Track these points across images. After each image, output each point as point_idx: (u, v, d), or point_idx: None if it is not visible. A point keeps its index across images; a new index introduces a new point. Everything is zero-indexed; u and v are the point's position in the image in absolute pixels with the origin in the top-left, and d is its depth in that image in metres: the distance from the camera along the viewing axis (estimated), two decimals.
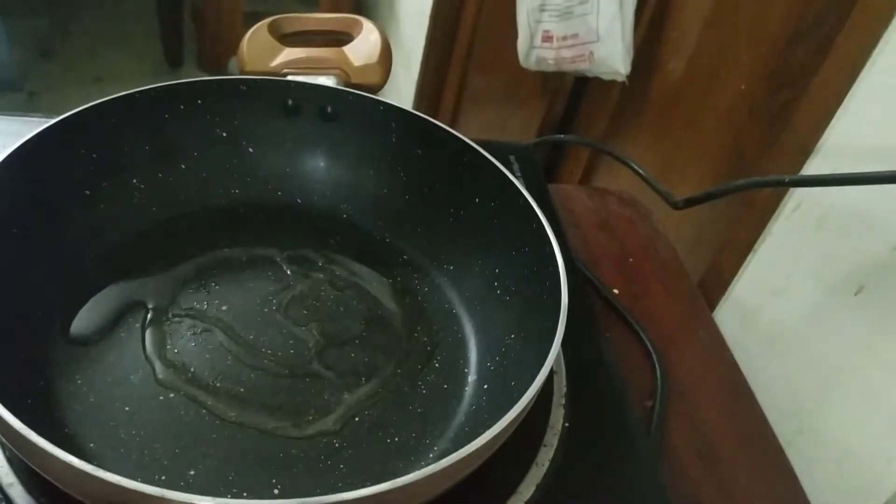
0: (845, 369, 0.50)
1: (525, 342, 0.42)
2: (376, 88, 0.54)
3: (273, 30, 0.56)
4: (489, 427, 0.32)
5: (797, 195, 0.56)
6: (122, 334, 0.42)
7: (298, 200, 0.52)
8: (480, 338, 0.45)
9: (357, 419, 0.40)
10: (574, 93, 1.00)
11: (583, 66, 0.86)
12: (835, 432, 0.50)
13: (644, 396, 0.52)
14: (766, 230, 0.59)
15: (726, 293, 0.63)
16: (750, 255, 0.60)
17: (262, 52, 0.55)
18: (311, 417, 0.40)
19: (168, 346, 0.42)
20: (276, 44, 0.55)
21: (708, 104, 0.74)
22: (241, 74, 0.54)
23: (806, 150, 0.55)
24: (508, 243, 0.45)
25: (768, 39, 0.65)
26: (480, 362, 0.44)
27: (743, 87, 0.68)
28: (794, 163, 0.56)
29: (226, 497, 0.27)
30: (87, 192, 0.45)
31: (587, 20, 0.82)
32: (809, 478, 0.50)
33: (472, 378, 0.43)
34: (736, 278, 0.62)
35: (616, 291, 0.59)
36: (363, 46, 0.56)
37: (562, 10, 0.84)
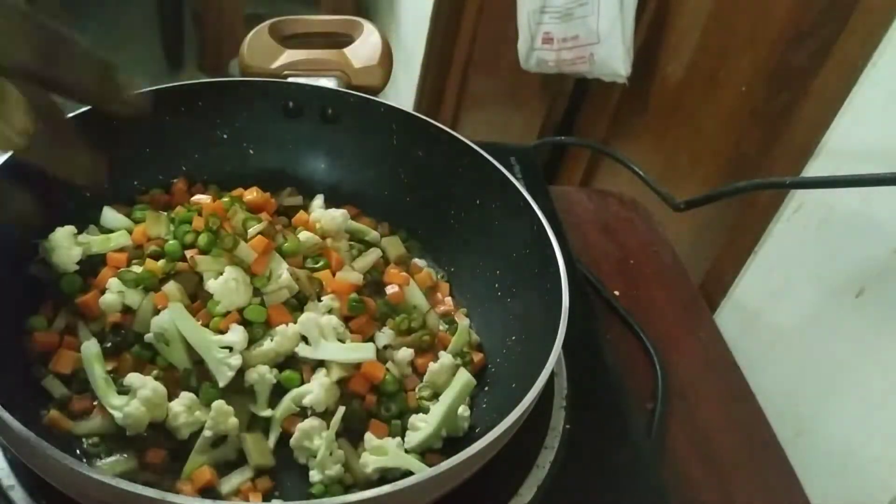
0: (846, 371, 0.50)
1: (526, 344, 0.42)
2: (377, 90, 0.54)
3: (274, 32, 0.56)
4: (490, 429, 0.32)
5: (798, 197, 0.56)
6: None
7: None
8: (481, 338, 0.45)
9: None
10: (574, 95, 1.00)
11: (583, 68, 0.86)
12: (836, 434, 0.50)
13: (645, 398, 0.52)
14: (767, 232, 0.59)
15: (727, 295, 0.63)
16: (751, 257, 0.60)
17: (263, 54, 0.55)
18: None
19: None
20: (277, 45, 0.55)
21: (708, 106, 0.74)
22: (242, 76, 0.54)
23: (806, 152, 0.55)
24: (509, 245, 0.45)
25: (768, 42, 0.65)
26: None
27: (743, 88, 0.68)
28: (794, 165, 0.56)
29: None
30: (87, 194, 0.45)
31: (588, 22, 0.82)
32: (810, 480, 0.50)
33: None
34: (737, 280, 0.62)
35: (617, 293, 0.59)
36: (364, 48, 0.56)
37: (562, 12, 0.84)
